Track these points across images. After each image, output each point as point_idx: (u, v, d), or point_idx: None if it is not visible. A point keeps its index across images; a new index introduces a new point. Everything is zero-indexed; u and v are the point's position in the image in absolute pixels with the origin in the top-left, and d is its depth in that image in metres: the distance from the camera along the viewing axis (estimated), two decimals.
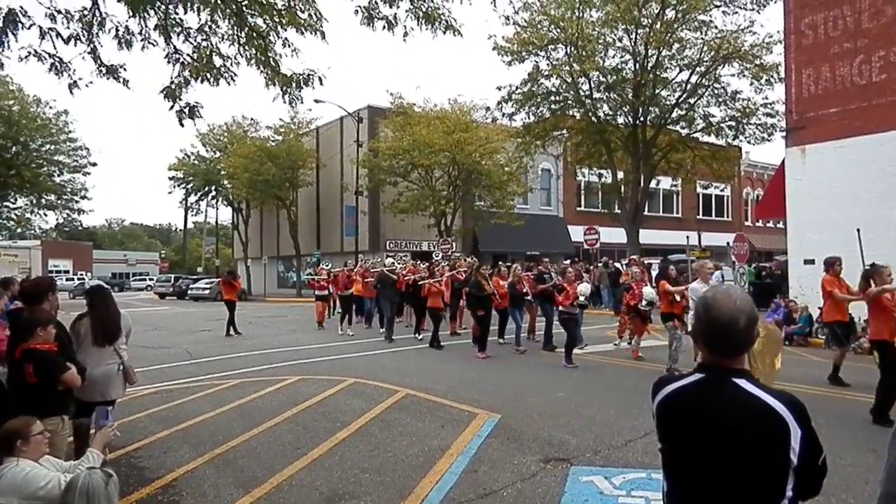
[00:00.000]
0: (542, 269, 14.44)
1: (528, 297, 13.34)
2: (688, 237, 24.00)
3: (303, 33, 6.86)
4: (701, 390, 1.93)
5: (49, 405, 4.19)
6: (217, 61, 6.91)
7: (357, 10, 6.62)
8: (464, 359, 11.87)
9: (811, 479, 1.86)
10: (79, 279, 52.77)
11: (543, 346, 12.87)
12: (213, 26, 6.84)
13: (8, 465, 3.21)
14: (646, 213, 27.40)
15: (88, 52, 6.52)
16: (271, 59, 6.88)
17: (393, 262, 16.86)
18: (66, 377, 4.32)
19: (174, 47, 6.81)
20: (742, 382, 1.87)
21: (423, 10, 6.59)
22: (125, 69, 6.83)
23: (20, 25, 6.04)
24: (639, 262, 16.03)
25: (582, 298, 11.57)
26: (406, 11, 6.61)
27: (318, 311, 18.13)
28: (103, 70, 6.68)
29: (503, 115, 24.99)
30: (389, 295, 15.00)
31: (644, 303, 11.75)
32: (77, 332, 5.17)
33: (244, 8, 6.68)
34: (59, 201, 38.81)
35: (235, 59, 6.97)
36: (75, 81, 6.61)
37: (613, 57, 23.19)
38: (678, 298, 10.24)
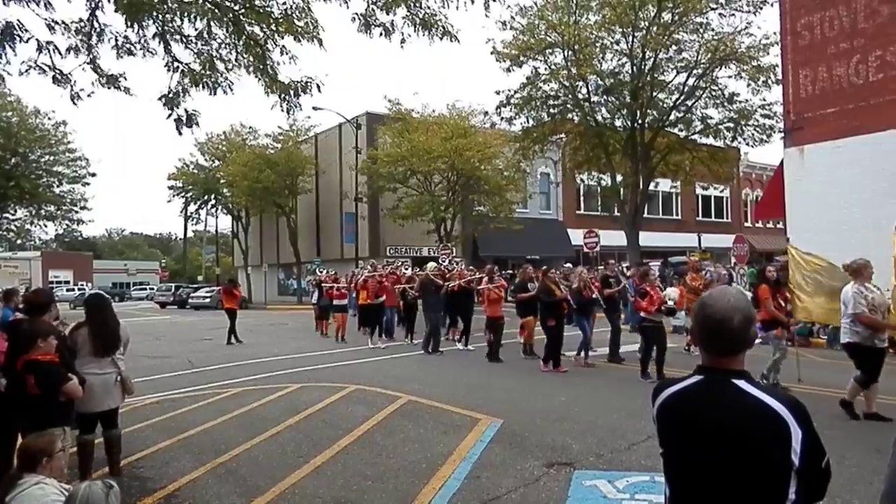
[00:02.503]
0: (607, 273, 12.72)
1: (602, 304, 11.77)
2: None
3: (300, 41, 6.89)
4: (700, 392, 1.92)
5: (51, 416, 4.19)
6: (219, 66, 6.94)
7: (354, 18, 6.64)
8: (466, 364, 11.85)
9: (815, 483, 1.85)
10: (79, 289, 52.78)
11: (609, 359, 11.58)
12: (211, 35, 6.87)
13: (29, 480, 3.16)
14: (645, 215, 27.42)
15: (88, 63, 6.55)
16: (269, 67, 6.90)
17: (435, 266, 15.29)
18: (68, 388, 4.31)
19: (173, 56, 6.84)
20: (741, 383, 1.86)
21: (420, 16, 6.62)
22: (126, 78, 6.87)
23: (18, 39, 6.06)
24: (695, 262, 14.05)
25: (671, 303, 10.26)
26: (403, 18, 6.63)
27: (340, 323, 16.10)
28: (104, 80, 6.71)
29: (502, 119, 25.05)
30: (433, 303, 13.71)
31: None
32: (74, 341, 5.17)
33: (241, 16, 6.71)
34: (58, 212, 38.81)
35: (234, 65, 7.00)
36: (77, 93, 6.64)
37: (611, 60, 23.28)
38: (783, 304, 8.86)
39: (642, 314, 10.05)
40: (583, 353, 11.45)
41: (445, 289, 13.91)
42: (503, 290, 12.87)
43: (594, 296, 11.61)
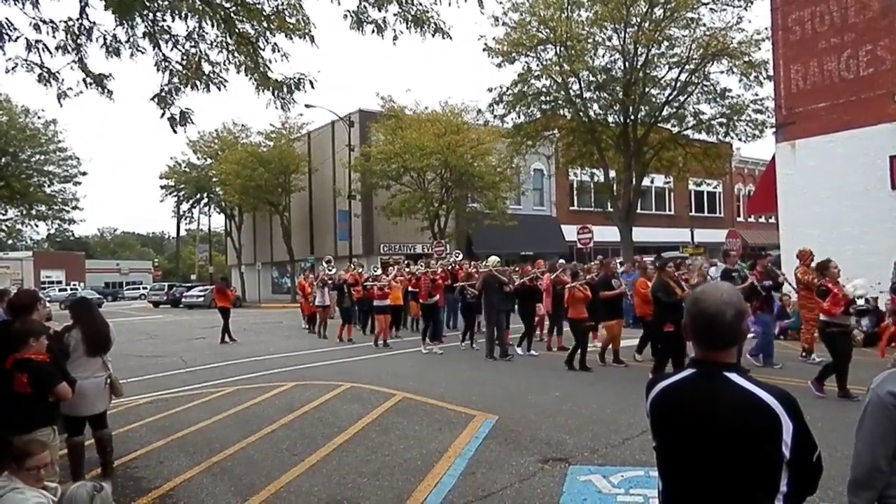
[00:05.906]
0: (728, 267, 10.57)
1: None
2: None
3: (291, 38, 6.86)
4: (692, 386, 1.93)
5: (40, 416, 4.19)
6: (206, 68, 6.89)
7: (346, 15, 6.61)
8: (461, 361, 11.85)
9: (806, 476, 1.87)
10: (71, 289, 52.49)
11: (764, 362, 9.91)
12: (202, 33, 6.82)
13: (7, 485, 3.12)
14: (638, 211, 27.41)
15: (76, 62, 6.49)
16: (261, 65, 6.86)
17: (498, 261, 13.18)
18: (59, 389, 4.31)
19: (163, 55, 6.79)
20: (733, 377, 1.88)
21: (412, 13, 6.58)
22: (112, 79, 6.81)
23: (6, 38, 6.01)
24: (807, 253, 10.75)
25: (861, 301, 8.05)
26: (395, 15, 6.60)
27: (384, 326, 14.31)
28: (90, 80, 6.65)
29: (494, 116, 25.04)
30: (496, 302, 12.14)
31: None
32: (66, 343, 5.17)
33: (232, 14, 6.66)
34: (49, 212, 38.59)
35: (225, 65, 6.96)
36: (64, 92, 6.58)
37: (603, 56, 23.24)
38: None
39: (825, 319, 7.93)
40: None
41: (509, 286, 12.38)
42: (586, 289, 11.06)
43: None
